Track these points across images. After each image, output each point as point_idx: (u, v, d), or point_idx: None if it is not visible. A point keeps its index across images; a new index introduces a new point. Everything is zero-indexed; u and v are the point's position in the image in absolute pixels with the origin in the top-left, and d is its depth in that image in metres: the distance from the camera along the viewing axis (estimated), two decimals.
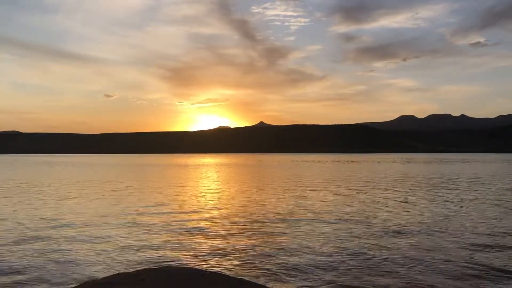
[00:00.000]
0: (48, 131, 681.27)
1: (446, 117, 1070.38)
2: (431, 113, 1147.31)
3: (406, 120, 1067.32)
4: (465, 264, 9.87)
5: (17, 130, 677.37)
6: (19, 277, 8.87)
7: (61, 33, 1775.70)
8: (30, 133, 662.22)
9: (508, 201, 21.52)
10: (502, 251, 11.08)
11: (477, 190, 27.42)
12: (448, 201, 21.58)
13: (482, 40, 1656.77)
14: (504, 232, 13.45)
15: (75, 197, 23.92)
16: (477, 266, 9.64)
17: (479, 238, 12.68)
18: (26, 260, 10.24)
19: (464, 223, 15.28)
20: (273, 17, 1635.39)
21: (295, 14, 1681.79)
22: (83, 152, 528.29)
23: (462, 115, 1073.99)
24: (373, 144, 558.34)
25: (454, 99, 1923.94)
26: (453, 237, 12.78)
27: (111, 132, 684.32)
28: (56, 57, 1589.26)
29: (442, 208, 19.22)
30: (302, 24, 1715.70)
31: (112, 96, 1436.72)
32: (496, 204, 20.33)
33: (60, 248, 11.40)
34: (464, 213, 17.71)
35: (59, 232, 13.70)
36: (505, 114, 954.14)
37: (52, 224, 15.09)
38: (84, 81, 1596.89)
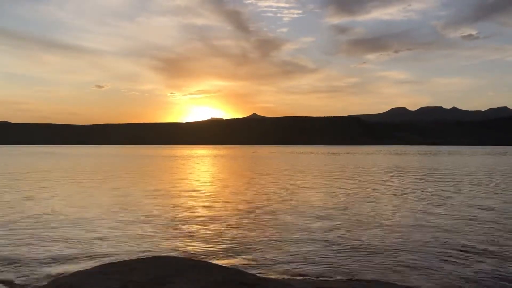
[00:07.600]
0: (39, 122, 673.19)
1: (438, 109, 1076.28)
2: (423, 106, 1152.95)
3: (398, 112, 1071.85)
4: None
5: (7, 120, 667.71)
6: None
7: (53, 23, 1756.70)
8: (21, 124, 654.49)
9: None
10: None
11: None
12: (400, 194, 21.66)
13: (474, 32, 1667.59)
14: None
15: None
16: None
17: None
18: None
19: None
20: (265, 8, 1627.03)
21: (287, 5, 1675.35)
22: (74, 143, 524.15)
23: (454, 108, 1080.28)
24: (365, 136, 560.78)
25: (445, 92, 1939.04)
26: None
27: (102, 123, 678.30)
28: (48, 48, 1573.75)
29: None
30: (295, 15, 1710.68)
31: (103, 87, 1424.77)
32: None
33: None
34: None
35: None
36: (496, 107, 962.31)
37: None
38: (76, 72, 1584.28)
